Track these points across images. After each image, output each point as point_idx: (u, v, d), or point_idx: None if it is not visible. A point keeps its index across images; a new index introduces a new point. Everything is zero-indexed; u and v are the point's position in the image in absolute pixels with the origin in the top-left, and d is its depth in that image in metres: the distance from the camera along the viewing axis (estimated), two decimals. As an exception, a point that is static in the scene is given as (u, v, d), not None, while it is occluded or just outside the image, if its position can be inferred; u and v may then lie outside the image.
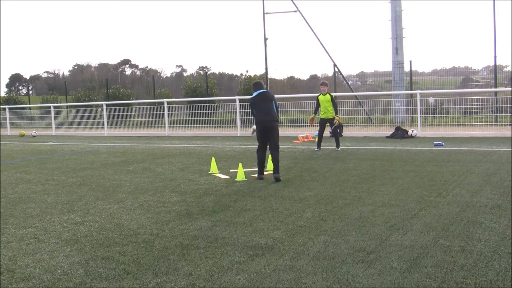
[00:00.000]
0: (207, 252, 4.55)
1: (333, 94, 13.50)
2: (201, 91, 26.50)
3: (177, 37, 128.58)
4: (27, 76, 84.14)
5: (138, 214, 6.18)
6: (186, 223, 5.64)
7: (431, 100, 19.60)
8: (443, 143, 13.09)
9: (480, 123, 17.29)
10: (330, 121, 12.68)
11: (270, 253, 4.44)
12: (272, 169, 9.28)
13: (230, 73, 72.94)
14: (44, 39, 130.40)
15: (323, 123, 12.81)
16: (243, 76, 34.02)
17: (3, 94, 42.64)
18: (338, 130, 13.30)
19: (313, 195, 6.93)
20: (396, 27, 23.08)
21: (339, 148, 12.70)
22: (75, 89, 35.58)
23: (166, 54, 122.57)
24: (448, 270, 3.89)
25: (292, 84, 45.92)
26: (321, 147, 12.99)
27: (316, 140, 13.94)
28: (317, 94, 13.05)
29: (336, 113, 12.65)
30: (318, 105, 12.86)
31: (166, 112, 21.46)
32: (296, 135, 16.79)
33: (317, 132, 16.55)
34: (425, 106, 18.33)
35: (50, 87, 61.57)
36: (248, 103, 20.81)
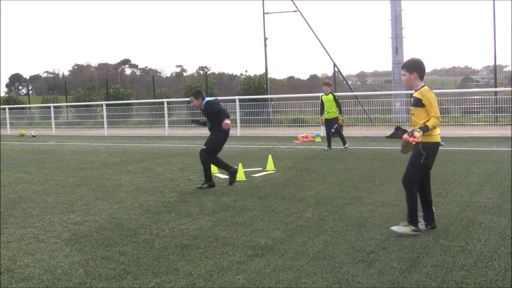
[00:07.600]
0: (207, 252, 4.55)
1: (334, 94, 13.49)
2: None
3: (177, 37, 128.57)
4: (27, 76, 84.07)
5: (138, 214, 6.18)
6: (186, 223, 5.64)
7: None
8: (443, 143, 13.08)
9: (480, 123, 17.28)
10: (332, 121, 12.68)
11: (270, 253, 4.44)
12: (270, 169, 9.31)
13: (229, 73, 72.84)
14: (44, 39, 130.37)
15: (328, 123, 12.85)
16: (243, 76, 33.95)
17: (3, 94, 42.64)
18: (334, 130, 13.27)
19: (313, 195, 6.94)
20: (396, 26, 23.08)
21: (345, 146, 12.67)
22: (75, 89, 35.49)
23: (166, 54, 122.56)
24: (448, 270, 3.89)
25: (292, 84, 45.84)
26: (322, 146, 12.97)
27: (316, 140, 13.91)
28: (320, 94, 13.07)
29: (340, 113, 12.67)
30: (322, 105, 12.90)
31: (166, 112, 21.46)
32: (296, 135, 16.78)
33: (317, 132, 16.67)
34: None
35: (50, 87, 61.41)
36: (246, 103, 21.02)
